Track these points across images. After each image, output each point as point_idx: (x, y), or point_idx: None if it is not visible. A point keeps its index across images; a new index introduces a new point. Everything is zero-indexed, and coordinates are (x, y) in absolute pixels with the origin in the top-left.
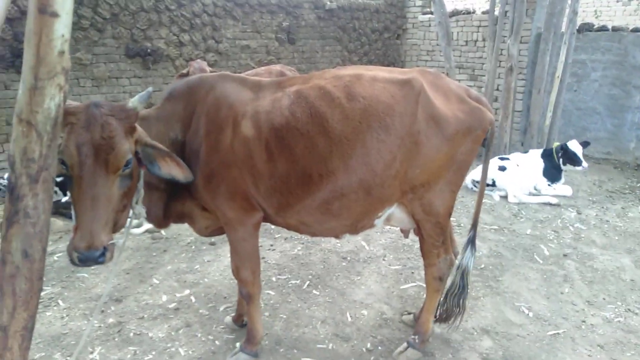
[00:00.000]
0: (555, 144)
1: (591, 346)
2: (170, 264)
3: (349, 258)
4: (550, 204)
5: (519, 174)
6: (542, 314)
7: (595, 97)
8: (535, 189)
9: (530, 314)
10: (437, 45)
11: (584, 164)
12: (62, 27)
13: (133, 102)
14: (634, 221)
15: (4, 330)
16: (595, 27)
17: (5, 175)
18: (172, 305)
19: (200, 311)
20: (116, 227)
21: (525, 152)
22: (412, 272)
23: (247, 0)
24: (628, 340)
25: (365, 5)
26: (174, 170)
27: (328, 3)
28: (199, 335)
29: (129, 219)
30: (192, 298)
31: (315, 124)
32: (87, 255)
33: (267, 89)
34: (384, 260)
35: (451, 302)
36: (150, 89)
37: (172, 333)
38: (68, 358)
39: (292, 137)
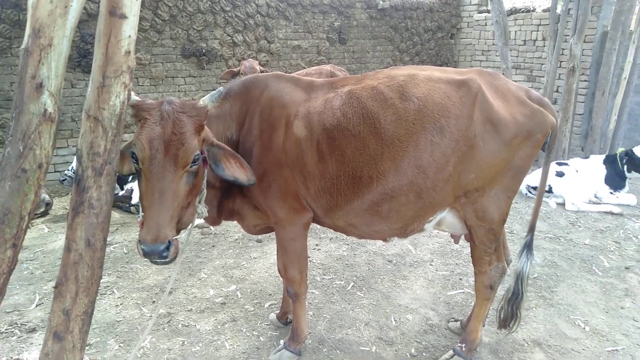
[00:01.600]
0: (620, 150)
1: None
2: (218, 259)
3: (394, 261)
4: (612, 213)
5: (578, 180)
6: (599, 329)
7: None
8: (596, 196)
9: (587, 328)
10: (493, 44)
11: None
12: (129, 28)
13: (204, 100)
14: None
15: (67, 313)
16: None
17: (70, 167)
18: (219, 300)
19: (246, 307)
20: (181, 224)
21: (586, 157)
22: (460, 279)
23: (299, 1)
24: None
25: (419, 4)
26: (237, 172)
27: (380, 2)
28: (244, 330)
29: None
30: (238, 293)
31: (367, 124)
32: (152, 248)
33: (320, 90)
34: (431, 265)
35: (508, 309)
36: (221, 88)
37: (219, 326)
38: (121, 344)
39: (343, 138)
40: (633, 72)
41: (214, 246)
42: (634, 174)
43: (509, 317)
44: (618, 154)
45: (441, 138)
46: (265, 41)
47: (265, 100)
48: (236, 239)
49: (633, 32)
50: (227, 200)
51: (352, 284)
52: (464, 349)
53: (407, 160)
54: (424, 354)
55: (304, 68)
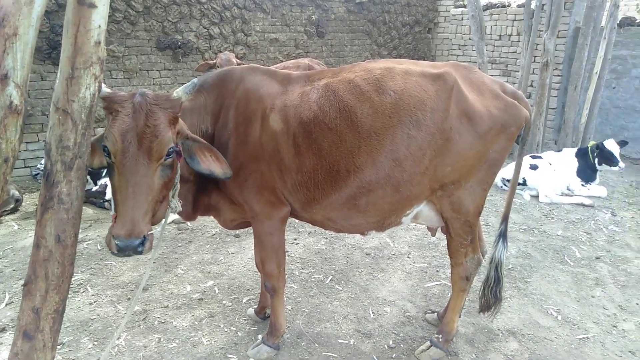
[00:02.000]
0: (591, 143)
1: (622, 352)
2: (195, 255)
3: (372, 254)
4: (584, 205)
5: (551, 173)
6: (571, 318)
7: (635, 94)
8: (568, 189)
9: (559, 317)
10: (470, 39)
11: (621, 164)
12: (99, 17)
13: (178, 92)
14: None
15: (37, 312)
16: (637, 21)
17: (42, 161)
18: (196, 296)
19: (224, 302)
20: (154, 219)
21: (559, 150)
22: (437, 271)
23: None
24: None
25: None
26: (213, 165)
27: None
28: (222, 325)
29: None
30: (216, 289)
31: (343, 118)
32: (127, 244)
33: (296, 83)
34: (408, 257)
35: (489, 295)
36: (195, 80)
37: (196, 323)
38: (95, 343)
39: (320, 132)
40: (604, 67)
41: (190, 242)
42: (604, 167)
43: (492, 301)
44: (589, 147)
45: (417, 131)
46: (242, 34)
47: (241, 93)
48: (213, 234)
49: (604, 28)
50: (203, 195)
51: (330, 277)
52: (440, 339)
53: (384, 154)
54: (401, 345)
55: (282, 61)
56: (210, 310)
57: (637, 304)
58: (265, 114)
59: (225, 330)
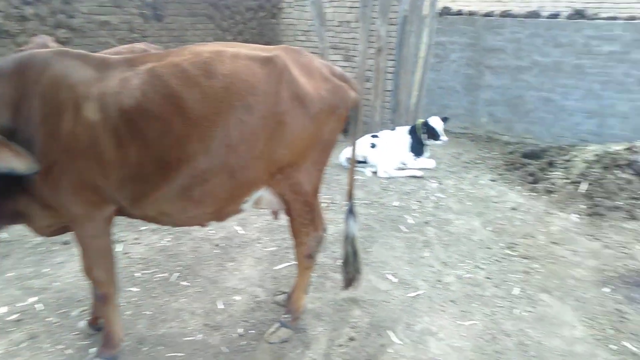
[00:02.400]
0: (419, 121)
1: (445, 302)
2: (13, 271)
3: (222, 245)
4: (416, 177)
5: (388, 150)
6: (405, 279)
7: (454, 76)
8: (403, 163)
9: (395, 280)
10: (313, 25)
11: (443, 137)
12: None
13: None
14: (484, 187)
15: None
16: (452, 10)
17: None
18: (13, 317)
19: (49, 319)
20: None
21: (393, 129)
22: (287, 252)
23: None
24: (475, 293)
25: None
26: (12, 161)
27: None
28: (47, 346)
29: None
30: (40, 305)
31: (170, 105)
32: None
33: (116, 68)
34: (258, 243)
35: (351, 269)
36: None
37: (12, 348)
38: None
39: (144, 120)
40: (428, 52)
41: (7, 256)
42: (431, 141)
43: (354, 275)
44: (417, 125)
45: (250, 115)
46: (65, 15)
47: (47, 80)
48: (37, 244)
49: (426, 16)
50: (7, 201)
51: (177, 274)
52: (289, 319)
53: (216, 140)
54: (251, 331)
55: (115, 47)
56: (32, 331)
57: (457, 258)
58: (78, 104)
59: (51, 350)
